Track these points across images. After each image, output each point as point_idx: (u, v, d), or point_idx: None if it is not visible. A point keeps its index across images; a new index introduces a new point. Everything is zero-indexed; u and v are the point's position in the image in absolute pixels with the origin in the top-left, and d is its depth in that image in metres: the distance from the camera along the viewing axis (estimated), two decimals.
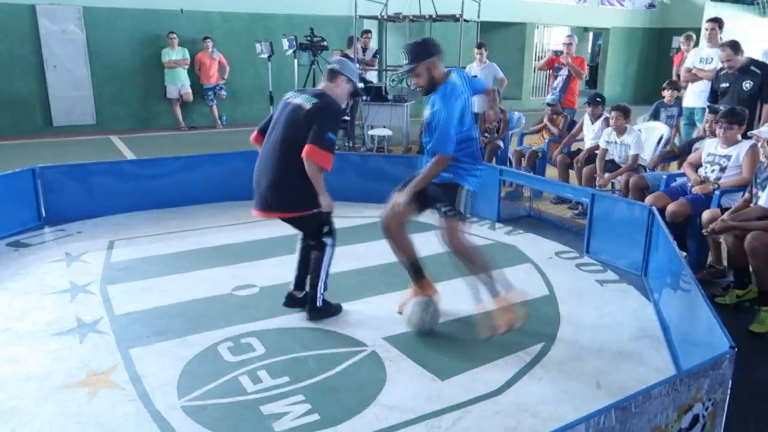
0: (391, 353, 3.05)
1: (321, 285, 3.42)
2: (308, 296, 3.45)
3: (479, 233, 5.09)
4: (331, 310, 3.49)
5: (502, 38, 14.85)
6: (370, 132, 8.69)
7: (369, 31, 10.12)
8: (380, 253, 4.52)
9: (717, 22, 6.26)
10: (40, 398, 2.65)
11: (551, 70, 7.66)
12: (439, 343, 3.20)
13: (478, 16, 9.28)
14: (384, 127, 8.64)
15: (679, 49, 8.77)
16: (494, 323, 3.21)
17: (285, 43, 9.10)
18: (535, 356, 3.05)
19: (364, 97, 8.72)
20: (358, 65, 8.82)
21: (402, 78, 10.44)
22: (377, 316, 3.50)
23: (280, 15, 11.42)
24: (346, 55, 9.29)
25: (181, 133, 10.35)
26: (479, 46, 8.06)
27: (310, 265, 3.45)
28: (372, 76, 10.06)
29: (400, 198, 3.29)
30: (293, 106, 3.26)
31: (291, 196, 3.26)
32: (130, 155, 8.23)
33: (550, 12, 15.12)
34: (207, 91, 10.63)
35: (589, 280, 4.11)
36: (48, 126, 9.89)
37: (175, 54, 10.35)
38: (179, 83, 10.39)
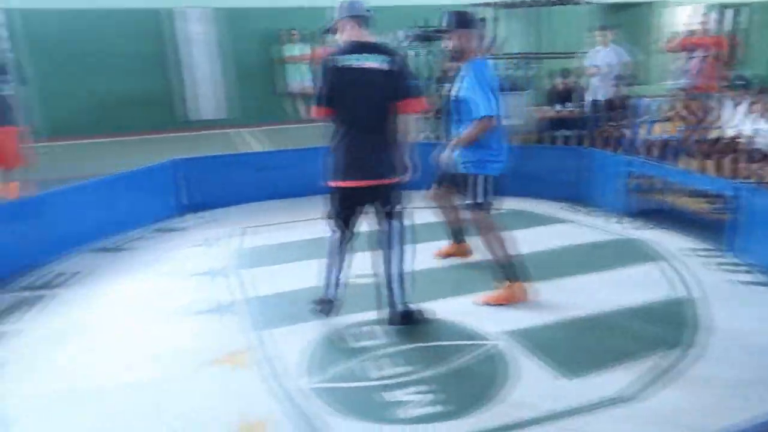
0: (514, 348, 3.00)
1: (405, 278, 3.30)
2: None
3: (604, 227, 4.85)
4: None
5: (628, 19, 13.94)
6: (504, 122, 8.53)
7: (483, 19, 9.91)
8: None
9: None
10: (186, 372, 2.91)
11: (684, 52, 7.10)
12: (566, 340, 3.10)
13: None
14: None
15: None
16: (493, 296, 3.55)
17: (400, 34, 9.16)
18: (671, 362, 2.85)
19: None
20: None
21: (519, 65, 10.17)
22: (498, 309, 3.44)
23: (395, 6, 11.50)
24: None
25: (304, 125, 10.80)
26: (602, 29, 7.63)
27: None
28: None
29: (444, 154, 3.56)
30: (369, 71, 3.09)
31: (394, 161, 3.21)
32: (257, 147, 8.72)
33: None
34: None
35: (732, 282, 3.77)
36: (184, 121, 10.73)
37: (296, 49, 10.79)
38: (300, 78, 10.83)
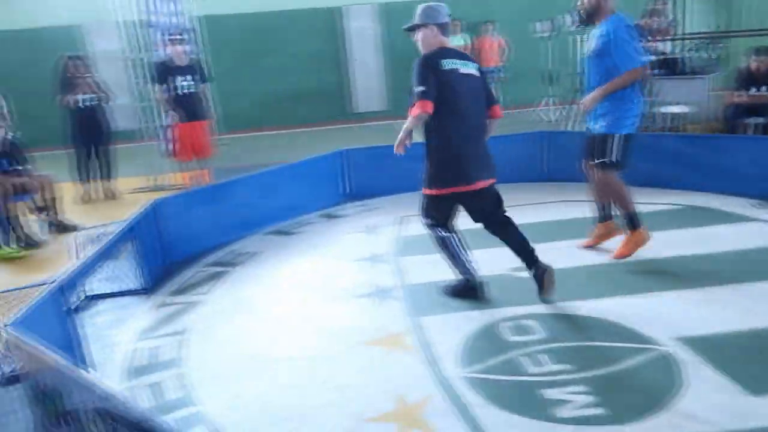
0: (688, 356, 2.75)
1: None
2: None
3: None
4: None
5: None
6: (663, 110, 7.84)
7: None
8: (674, 242, 4.11)
9: None
10: (348, 349, 3.08)
11: None
12: (750, 351, 2.77)
13: None
14: (679, 104, 7.71)
15: None
16: (621, 248, 3.82)
17: (568, 18, 8.73)
18: None
19: (656, 71, 7.90)
20: (646, 36, 8.01)
21: (700, 47, 9.16)
22: (671, 312, 3.17)
23: None
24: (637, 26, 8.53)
25: None
26: None
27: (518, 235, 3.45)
28: (667, 46, 9.03)
29: (590, 100, 3.66)
30: (469, 76, 3.28)
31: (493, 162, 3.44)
32: (417, 138, 8.89)
33: None
34: (486, 74, 10.85)
35: None
36: (350, 113, 11.29)
37: (456, 40, 10.77)
38: None
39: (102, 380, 2.07)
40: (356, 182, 5.92)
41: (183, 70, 6.50)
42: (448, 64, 3.22)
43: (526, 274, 3.81)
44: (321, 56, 11.05)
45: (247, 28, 10.87)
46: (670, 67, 7.92)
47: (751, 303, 3.20)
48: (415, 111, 3.19)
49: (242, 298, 3.85)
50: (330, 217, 5.42)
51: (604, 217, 4.08)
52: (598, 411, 2.42)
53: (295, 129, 10.83)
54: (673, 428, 2.30)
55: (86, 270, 3.20)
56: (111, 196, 6.84)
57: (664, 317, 3.13)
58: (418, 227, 4.89)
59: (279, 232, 5.10)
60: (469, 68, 3.29)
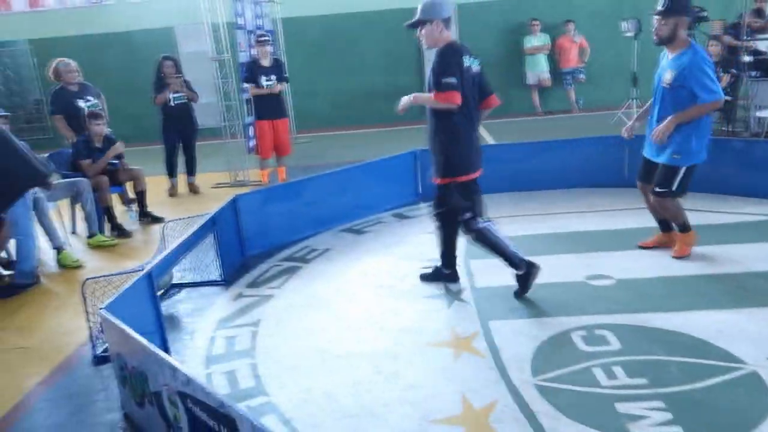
0: None
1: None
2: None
3: None
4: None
5: None
6: (758, 114, 7.36)
7: None
8: (762, 255, 3.87)
9: None
10: (415, 349, 3.10)
11: None
12: None
13: None
14: None
15: None
16: (676, 248, 3.89)
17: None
18: None
19: (752, 73, 7.42)
20: (746, 35, 7.53)
21: None
22: (760, 331, 2.98)
23: None
24: (732, 26, 8.05)
25: (537, 118, 10.57)
26: None
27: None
28: (764, 45, 8.46)
29: (664, 130, 3.58)
30: (475, 73, 3.46)
31: None
32: (489, 140, 8.79)
33: None
34: (565, 75, 10.57)
35: None
36: (423, 114, 11.28)
37: (536, 40, 10.57)
38: (538, 69, 10.60)
39: (183, 365, 2.19)
40: (429, 183, 5.90)
41: (267, 70, 6.77)
42: (467, 60, 3.39)
43: (600, 282, 3.71)
44: (397, 57, 11.12)
45: (325, 29, 11.10)
46: (766, 68, 7.42)
47: None
48: (442, 98, 3.30)
49: (313, 293, 3.95)
50: (402, 217, 5.46)
51: (667, 227, 4.07)
52: (676, 429, 2.31)
53: (369, 129, 10.96)
54: None
55: (173, 259, 3.38)
56: (194, 190, 7.18)
57: (753, 335, 2.94)
58: None
59: (351, 230, 5.19)
60: (476, 65, 3.47)
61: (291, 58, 10.40)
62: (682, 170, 3.69)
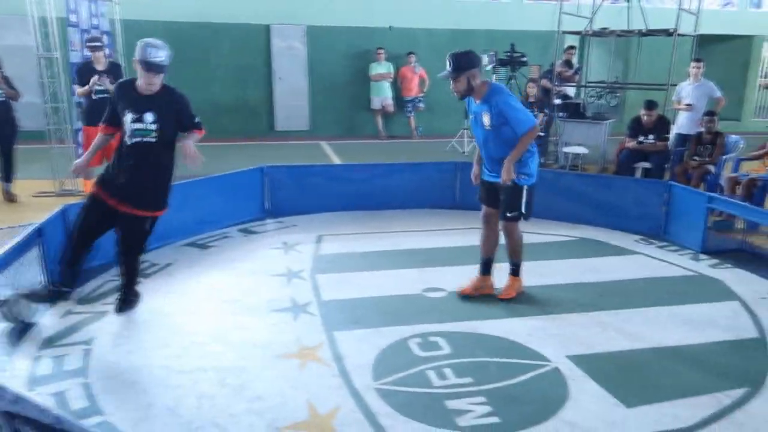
0: (574, 372, 3.06)
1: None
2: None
3: (679, 263, 4.77)
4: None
5: (722, 53, 13.46)
6: (565, 149, 8.51)
7: (573, 47, 9.95)
8: (566, 270, 4.51)
9: None
10: (263, 362, 3.15)
11: None
12: (629, 370, 3.12)
13: (695, 30, 8.58)
14: (579, 145, 8.41)
15: None
16: (511, 290, 3.99)
17: (485, 58, 9.30)
18: (736, 400, 2.83)
19: (561, 114, 8.59)
20: (557, 81, 8.69)
21: (601, 94, 10.07)
22: (561, 333, 3.50)
23: (482, 30, 11.69)
24: (548, 72, 9.23)
25: (380, 141, 11.12)
26: (697, 60, 7.46)
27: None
28: (570, 91, 9.84)
29: (508, 171, 3.67)
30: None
31: None
32: (336, 160, 9.09)
33: None
34: (407, 103, 11.28)
35: None
36: (270, 130, 11.30)
37: (381, 68, 11.16)
38: (383, 95, 11.19)
39: (9, 383, 2.04)
40: (276, 199, 5.98)
41: (101, 74, 6.35)
42: None
43: (434, 294, 4.06)
44: (246, 71, 11.03)
45: (170, 37, 10.65)
46: (573, 110, 8.63)
47: (630, 326, 3.60)
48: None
49: (153, 309, 3.81)
50: (248, 232, 5.45)
51: (486, 270, 4.08)
52: (494, 419, 2.65)
53: (215, 143, 10.67)
54: None
55: None
56: (11, 199, 6.46)
57: (555, 337, 3.45)
58: (335, 246, 5.06)
59: (195, 245, 5.06)
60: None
61: (130, 64, 9.83)
62: (525, 190, 3.78)
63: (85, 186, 6.56)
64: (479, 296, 3.99)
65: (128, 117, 3.42)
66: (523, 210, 3.82)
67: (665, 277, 4.47)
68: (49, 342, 3.34)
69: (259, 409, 2.71)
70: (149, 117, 3.44)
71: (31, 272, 3.93)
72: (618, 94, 11.66)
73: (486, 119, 3.72)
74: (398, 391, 2.88)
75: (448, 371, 3.05)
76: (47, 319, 3.64)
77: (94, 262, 4.41)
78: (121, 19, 9.31)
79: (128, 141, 3.45)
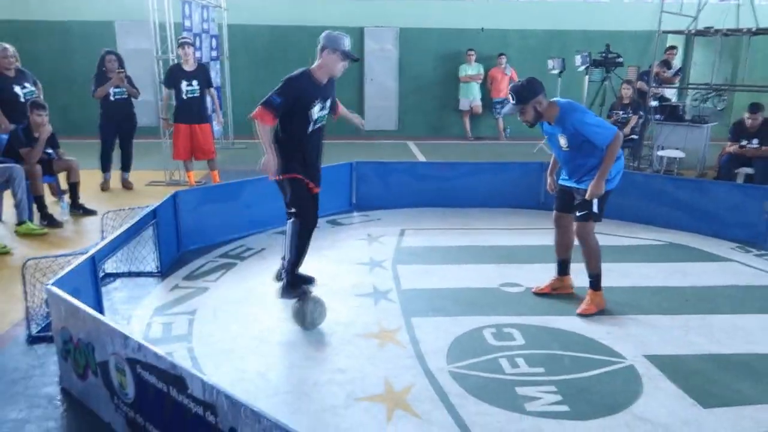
0: (650, 371, 3.05)
1: (286, 264, 3.61)
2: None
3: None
4: (295, 292, 3.56)
5: None
6: (660, 152, 8.21)
7: (674, 47, 9.55)
8: (652, 273, 4.43)
9: None
10: (345, 340, 3.38)
11: None
12: (710, 373, 3.06)
13: None
14: (677, 149, 8.08)
15: None
16: (590, 306, 3.76)
17: (578, 59, 9.15)
18: None
19: (657, 116, 8.29)
20: (654, 83, 8.40)
21: (707, 97, 9.58)
22: (641, 334, 3.48)
23: (577, 31, 11.45)
24: (645, 73, 8.92)
25: (467, 142, 11.18)
26: None
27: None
28: (670, 93, 9.45)
29: (597, 186, 3.59)
30: None
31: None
32: (422, 158, 9.26)
33: None
34: (495, 105, 11.26)
35: None
36: (360, 130, 11.66)
37: (471, 69, 11.22)
38: (471, 96, 11.24)
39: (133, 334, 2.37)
40: (362, 193, 6.25)
41: (188, 75, 6.82)
42: None
43: (511, 289, 4.14)
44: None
45: (273, 39, 11.28)
46: (671, 113, 8.30)
47: (715, 332, 3.51)
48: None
49: (248, 288, 4.15)
50: (335, 224, 5.74)
51: (563, 270, 4.07)
52: (564, 408, 2.71)
53: None
54: (629, 428, 2.59)
55: (116, 245, 3.51)
56: (128, 186, 7.16)
57: (635, 337, 3.43)
58: (417, 239, 5.24)
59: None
60: None
61: (235, 65, 10.52)
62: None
63: (189, 177, 7.17)
64: (557, 295, 4.01)
65: (317, 107, 3.54)
66: (595, 210, 3.70)
67: (760, 286, 4.28)
68: (160, 310, 3.76)
69: (340, 380, 2.93)
70: (327, 103, 3.70)
71: (145, 249, 4.41)
72: (725, 97, 11.06)
73: (563, 141, 3.67)
74: (470, 374, 3.00)
75: (520, 360, 3.13)
76: (158, 290, 4.07)
77: (198, 243, 4.88)
78: (228, 24, 10.03)
79: (310, 128, 3.57)
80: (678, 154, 8.02)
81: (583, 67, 9.14)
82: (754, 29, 7.96)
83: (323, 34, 3.63)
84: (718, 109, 10.15)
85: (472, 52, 11.15)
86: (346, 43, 3.56)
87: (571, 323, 3.60)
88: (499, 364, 3.10)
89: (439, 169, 6.63)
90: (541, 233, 5.36)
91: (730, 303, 3.94)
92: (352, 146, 10.34)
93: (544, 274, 4.21)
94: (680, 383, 2.93)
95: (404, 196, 6.26)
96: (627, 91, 8.09)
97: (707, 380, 2.98)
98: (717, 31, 8.32)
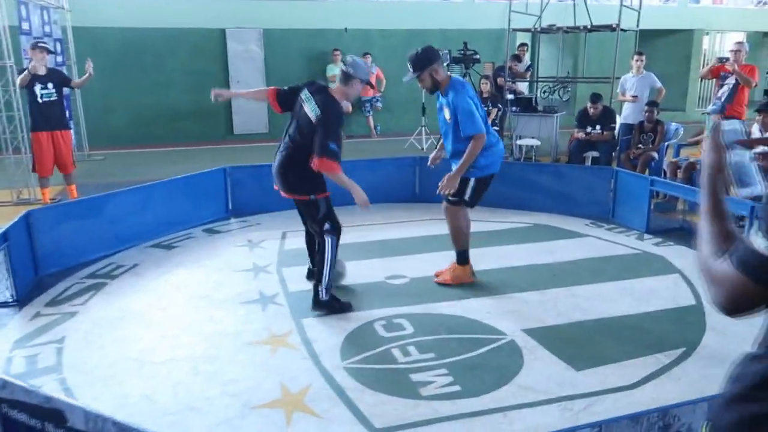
0: (528, 343, 3.28)
1: (324, 279, 3.67)
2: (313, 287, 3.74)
3: (624, 242, 5.08)
4: (336, 306, 3.68)
5: (665, 46, 14.11)
6: (519, 142, 8.83)
7: (525, 44, 10.30)
8: (522, 254, 4.76)
9: None
10: (234, 350, 3.28)
11: (717, 79, 7.27)
12: (579, 339, 3.37)
13: (637, 25, 9.02)
14: (533, 137, 8.74)
15: None
16: (447, 275, 4.07)
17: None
18: (674, 359, 3.10)
19: (514, 108, 8.91)
20: (509, 77, 9.02)
21: (554, 89, 10.48)
22: (517, 310, 3.73)
23: (436, 30, 11.96)
24: (500, 68, 9.55)
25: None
26: (639, 54, 7.85)
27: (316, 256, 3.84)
28: (523, 87, 10.20)
29: (451, 181, 3.80)
30: (304, 113, 3.64)
31: (293, 181, 3.88)
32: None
33: (722, 17, 14.08)
34: (364, 103, 11.45)
35: None
36: (229, 134, 11.32)
37: (337, 69, 11.27)
38: None
39: None
40: (239, 199, 6.07)
41: (43, 79, 6.24)
42: (303, 93, 3.80)
43: (397, 281, 4.25)
44: (203, 76, 11.01)
45: (126, 43, 10.58)
46: (526, 105, 8.97)
47: (581, 301, 3.86)
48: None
49: (123, 307, 3.88)
50: (212, 232, 5.53)
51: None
52: (456, 388, 2.85)
53: (172, 147, 10.64)
54: (516, 398, 2.78)
55: None
56: None
57: (512, 313, 3.68)
58: (300, 241, 5.15)
59: (160, 246, 5.12)
60: (307, 106, 3.69)
61: (84, 70, 9.71)
62: (472, 181, 3.88)
63: (43, 195, 6.52)
64: (444, 283, 4.16)
65: None
66: (466, 198, 3.90)
67: (613, 256, 4.77)
68: (21, 342, 3.39)
69: (234, 391, 2.84)
70: None
71: None
72: (569, 89, 12.14)
73: (446, 113, 3.86)
74: (365, 368, 3.04)
75: (411, 348, 3.23)
76: (16, 320, 3.68)
77: (59, 266, 4.47)
78: (72, 27, 9.23)
79: None
80: (534, 142, 8.68)
81: (444, 65, 9.57)
82: (589, 26, 8.81)
83: (351, 62, 3.73)
84: (564, 100, 11.10)
85: (338, 52, 11.23)
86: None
87: (454, 308, 3.77)
88: (391, 354, 3.18)
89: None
90: (418, 225, 5.56)
91: (591, 274, 4.35)
92: (222, 150, 10.02)
93: (424, 263, 4.37)
94: (555, 351, 3.19)
95: (282, 199, 6.06)
96: (485, 86, 8.61)
97: (577, 345, 3.28)
98: (558, 28, 9.12)
